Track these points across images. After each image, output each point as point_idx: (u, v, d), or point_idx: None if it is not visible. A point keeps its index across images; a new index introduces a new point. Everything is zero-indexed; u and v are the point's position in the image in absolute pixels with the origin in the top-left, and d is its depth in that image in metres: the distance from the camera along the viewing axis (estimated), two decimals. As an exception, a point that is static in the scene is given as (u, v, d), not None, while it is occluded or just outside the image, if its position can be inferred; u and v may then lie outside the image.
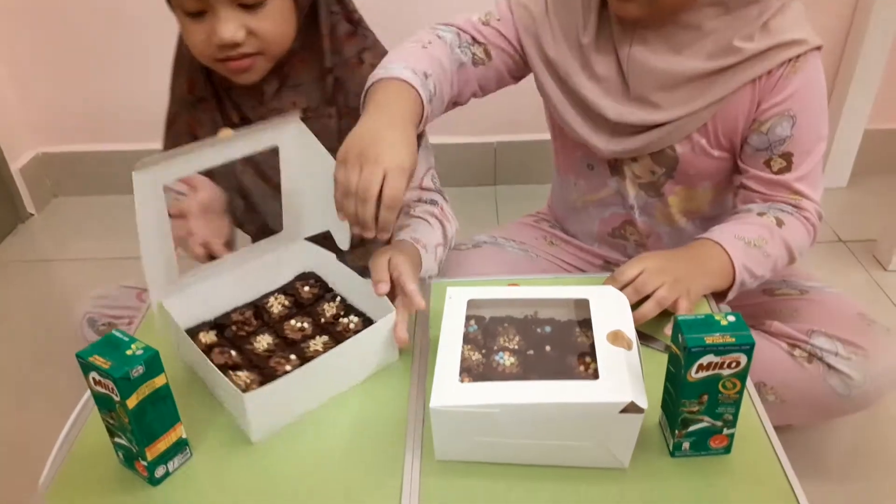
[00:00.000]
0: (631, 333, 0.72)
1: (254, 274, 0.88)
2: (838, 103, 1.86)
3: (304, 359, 0.78)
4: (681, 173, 1.00)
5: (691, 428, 0.67)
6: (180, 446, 0.70)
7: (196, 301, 0.83)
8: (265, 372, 0.77)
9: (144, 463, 0.68)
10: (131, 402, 0.64)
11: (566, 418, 0.66)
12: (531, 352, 0.76)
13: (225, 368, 0.76)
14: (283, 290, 0.89)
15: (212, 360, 0.75)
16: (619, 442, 0.67)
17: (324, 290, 0.89)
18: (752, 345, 0.62)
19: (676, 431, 0.68)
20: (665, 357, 0.70)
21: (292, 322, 0.84)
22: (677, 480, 0.68)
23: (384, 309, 0.79)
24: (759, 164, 0.95)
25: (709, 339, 0.62)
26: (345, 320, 0.83)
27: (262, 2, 0.85)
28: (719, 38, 0.89)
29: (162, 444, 0.68)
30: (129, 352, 0.65)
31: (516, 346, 0.77)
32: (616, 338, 0.71)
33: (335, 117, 0.94)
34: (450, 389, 0.67)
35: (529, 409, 0.65)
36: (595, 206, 1.11)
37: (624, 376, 0.66)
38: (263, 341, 0.82)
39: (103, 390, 0.65)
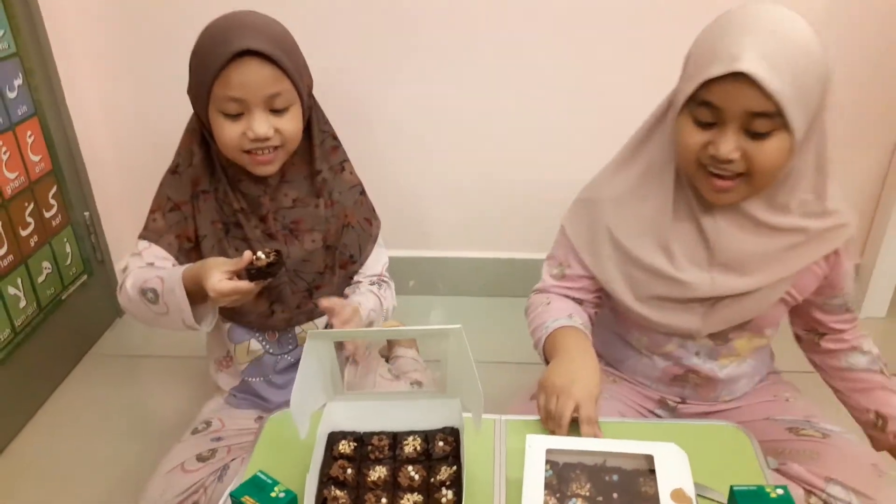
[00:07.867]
0: (691, 492, 0.83)
1: (409, 409, 0.97)
2: (878, 233, 1.95)
3: None
4: (753, 324, 1.09)
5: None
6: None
7: (355, 412, 0.96)
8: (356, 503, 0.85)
9: None
10: (274, 539, 0.77)
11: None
12: (600, 498, 0.88)
13: (334, 481, 0.86)
14: (425, 434, 0.95)
15: (330, 471, 0.87)
16: None
17: (455, 452, 0.92)
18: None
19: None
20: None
21: (409, 468, 0.89)
22: None
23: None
24: (840, 311, 1.14)
25: (760, 511, 0.74)
26: (445, 492, 0.85)
27: (287, 108, 1.13)
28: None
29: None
30: (273, 494, 0.78)
31: (587, 493, 0.88)
32: (678, 497, 0.82)
33: (321, 206, 1.24)
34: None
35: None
36: (659, 356, 1.17)
37: (689, 537, 0.77)
38: (380, 471, 0.88)
39: (254, 527, 0.78)
